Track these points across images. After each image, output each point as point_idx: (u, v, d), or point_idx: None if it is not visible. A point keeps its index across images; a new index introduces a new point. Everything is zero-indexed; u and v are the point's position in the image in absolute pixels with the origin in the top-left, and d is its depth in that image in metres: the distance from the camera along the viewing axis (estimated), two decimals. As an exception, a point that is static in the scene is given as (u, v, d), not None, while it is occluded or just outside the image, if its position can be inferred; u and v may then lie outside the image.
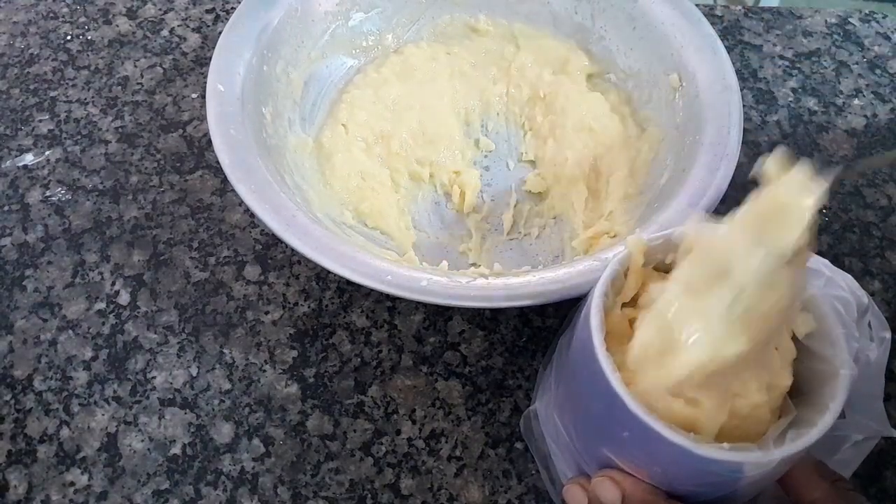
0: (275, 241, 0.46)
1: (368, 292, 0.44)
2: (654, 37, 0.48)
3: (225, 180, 0.46)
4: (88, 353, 0.41)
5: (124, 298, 0.43)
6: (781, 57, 0.58)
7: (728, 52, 0.45)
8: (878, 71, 0.58)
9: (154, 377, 0.41)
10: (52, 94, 0.53)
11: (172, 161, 0.49)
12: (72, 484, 0.37)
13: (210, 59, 0.43)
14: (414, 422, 0.40)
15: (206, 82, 0.42)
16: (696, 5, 0.48)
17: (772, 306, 0.25)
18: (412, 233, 0.46)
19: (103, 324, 0.42)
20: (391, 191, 0.47)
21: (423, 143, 0.49)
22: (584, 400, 0.29)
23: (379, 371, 0.41)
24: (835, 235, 0.48)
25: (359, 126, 0.48)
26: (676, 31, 0.47)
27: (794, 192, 0.24)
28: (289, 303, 0.43)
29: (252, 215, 0.46)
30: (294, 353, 0.42)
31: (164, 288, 0.44)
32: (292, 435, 0.39)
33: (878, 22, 0.61)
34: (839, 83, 0.57)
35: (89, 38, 0.56)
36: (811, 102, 0.56)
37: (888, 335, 0.30)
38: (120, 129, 0.51)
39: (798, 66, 0.58)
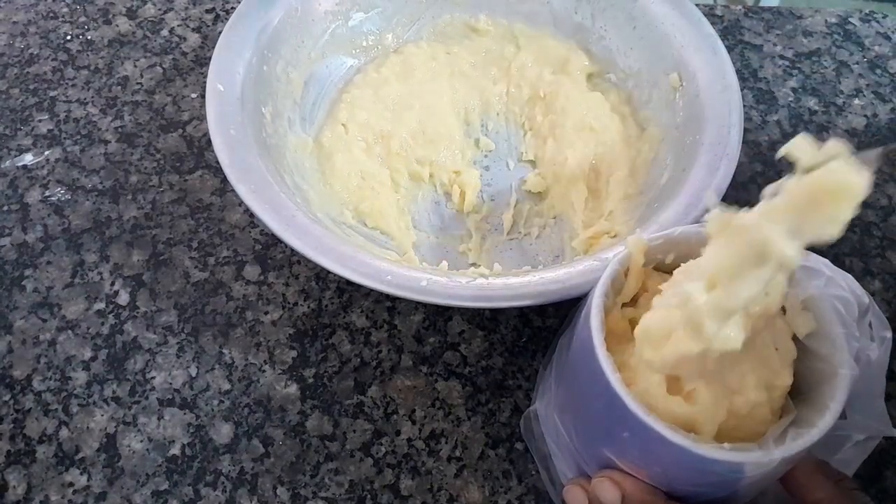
0: (274, 241, 0.46)
1: (368, 292, 0.44)
2: (654, 36, 0.48)
3: (225, 180, 0.46)
4: (88, 354, 0.41)
5: (123, 298, 0.43)
6: (781, 57, 0.58)
7: (728, 52, 0.45)
8: (878, 71, 0.58)
9: (153, 377, 0.40)
10: (52, 93, 0.53)
11: (172, 161, 0.49)
12: (71, 484, 0.37)
13: (210, 58, 0.43)
14: (414, 422, 0.40)
15: (205, 82, 0.42)
16: (696, 5, 0.48)
17: (771, 306, 0.25)
18: (412, 233, 0.46)
19: (102, 324, 0.42)
20: (391, 191, 0.47)
21: (423, 142, 0.49)
22: (584, 400, 0.29)
23: (379, 371, 0.41)
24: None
25: (359, 126, 0.48)
26: (676, 31, 0.47)
27: (846, 170, 0.22)
28: (288, 303, 0.43)
29: (252, 215, 0.46)
30: (293, 354, 0.42)
31: (164, 288, 0.44)
32: (292, 435, 0.39)
33: (878, 22, 0.61)
34: (839, 83, 0.57)
35: (89, 37, 0.56)
36: (811, 102, 0.55)
37: (889, 335, 0.30)
38: (119, 129, 0.51)
39: (798, 65, 0.58)
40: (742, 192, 0.49)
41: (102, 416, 0.39)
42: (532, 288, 0.36)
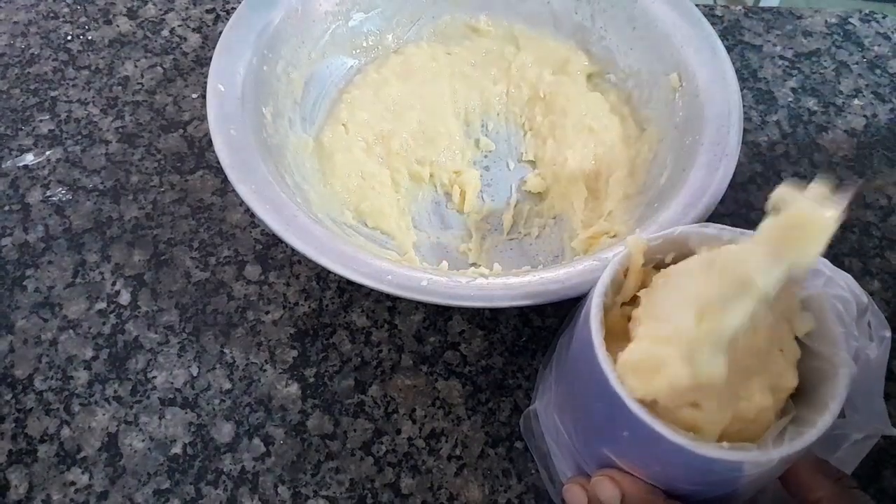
0: (275, 241, 0.46)
1: (368, 292, 0.44)
2: (654, 37, 0.48)
3: (225, 180, 0.46)
4: (89, 353, 0.41)
5: (125, 298, 0.43)
6: (781, 57, 0.58)
7: (728, 52, 0.45)
8: (878, 71, 0.58)
9: (155, 377, 0.41)
10: (53, 94, 0.53)
11: (173, 161, 0.49)
12: (72, 483, 0.37)
13: (210, 59, 0.43)
14: (414, 421, 0.40)
15: (206, 82, 0.42)
16: (696, 5, 0.48)
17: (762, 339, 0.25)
18: (412, 233, 0.46)
19: (104, 323, 0.42)
20: (391, 191, 0.47)
21: (424, 142, 0.49)
22: (584, 400, 0.29)
23: (379, 371, 0.41)
24: (834, 235, 0.48)
25: (359, 126, 0.48)
26: (676, 31, 0.47)
27: (815, 207, 0.24)
28: (289, 303, 0.43)
29: (252, 215, 0.46)
30: (294, 353, 0.42)
31: (165, 288, 0.44)
32: (293, 434, 0.39)
33: (878, 22, 0.61)
34: (839, 83, 0.57)
35: (90, 38, 0.56)
36: (811, 102, 0.56)
37: (888, 334, 0.30)
38: (120, 129, 0.51)
39: (798, 66, 0.58)
40: (742, 192, 0.49)
41: (104, 415, 0.39)
42: (532, 288, 0.36)
